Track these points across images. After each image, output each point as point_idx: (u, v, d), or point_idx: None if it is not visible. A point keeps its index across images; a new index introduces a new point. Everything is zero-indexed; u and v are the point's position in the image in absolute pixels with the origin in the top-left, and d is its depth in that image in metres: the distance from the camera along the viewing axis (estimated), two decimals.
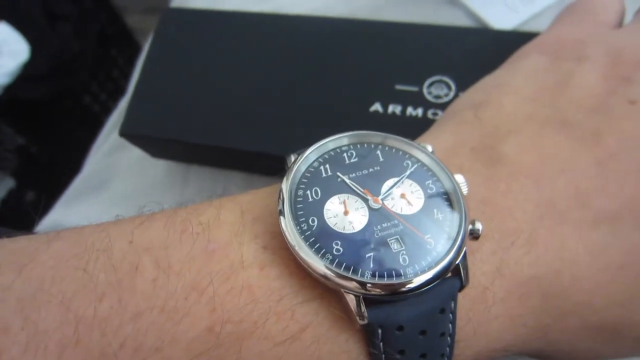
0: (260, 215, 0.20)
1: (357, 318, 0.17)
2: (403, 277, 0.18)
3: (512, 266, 0.20)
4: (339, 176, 0.20)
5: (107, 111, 0.55)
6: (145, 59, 0.39)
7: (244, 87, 0.36)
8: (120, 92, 0.57)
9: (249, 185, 0.41)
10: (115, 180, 0.46)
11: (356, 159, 0.21)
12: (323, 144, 0.21)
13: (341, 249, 0.18)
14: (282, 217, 0.18)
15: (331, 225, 0.18)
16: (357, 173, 0.20)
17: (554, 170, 0.22)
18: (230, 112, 0.35)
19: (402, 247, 0.18)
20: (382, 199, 0.19)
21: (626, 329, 0.21)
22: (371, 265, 0.18)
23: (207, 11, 0.40)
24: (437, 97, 0.33)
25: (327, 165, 0.20)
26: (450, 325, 0.18)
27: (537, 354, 0.23)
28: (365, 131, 0.21)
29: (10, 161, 0.94)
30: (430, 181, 0.20)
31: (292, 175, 0.20)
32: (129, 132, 0.37)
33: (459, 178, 0.20)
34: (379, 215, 0.19)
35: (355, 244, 0.18)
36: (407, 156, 0.21)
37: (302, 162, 0.20)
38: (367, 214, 0.19)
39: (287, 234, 0.18)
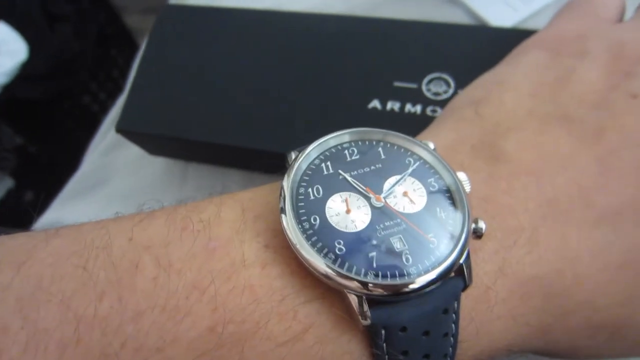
0: (262, 213, 0.20)
1: (360, 318, 0.17)
2: (406, 278, 0.17)
3: (514, 265, 0.20)
4: (340, 174, 0.20)
5: (106, 111, 0.55)
6: (143, 55, 0.39)
7: (241, 83, 0.36)
8: (119, 92, 0.57)
9: (247, 183, 0.41)
10: (112, 178, 0.46)
11: (357, 156, 0.20)
12: (324, 141, 0.21)
13: (343, 248, 0.18)
14: (283, 215, 0.18)
15: (333, 224, 0.18)
16: (359, 171, 0.20)
17: (555, 168, 0.21)
18: (228, 108, 0.35)
19: (405, 246, 0.18)
20: (385, 197, 0.19)
21: (627, 328, 0.21)
22: (374, 265, 0.17)
23: (205, 8, 0.40)
24: (436, 94, 0.33)
25: (329, 163, 0.20)
26: (453, 325, 0.18)
27: (538, 352, 0.23)
28: (367, 128, 0.21)
29: (9, 161, 0.94)
30: (432, 179, 0.20)
31: (293, 173, 0.19)
32: (125, 129, 0.36)
33: (462, 176, 0.20)
34: (381, 213, 0.19)
35: (358, 243, 0.18)
36: (408, 153, 0.21)
37: (303, 159, 0.20)
38: (370, 212, 0.19)
39: (288, 232, 0.18)
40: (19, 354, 0.15)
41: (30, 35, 0.88)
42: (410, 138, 0.21)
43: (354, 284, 0.17)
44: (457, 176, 0.20)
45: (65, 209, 0.45)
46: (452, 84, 0.33)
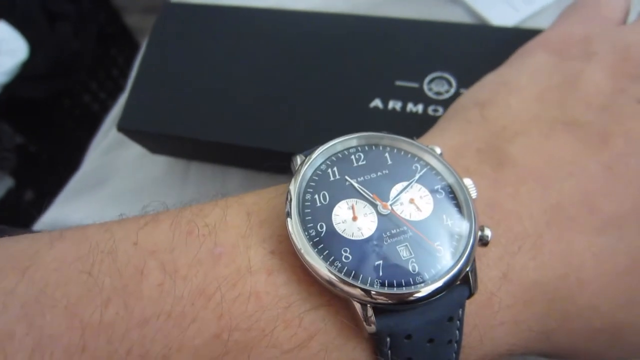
0: (267, 218, 0.20)
1: (365, 326, 0.17)
2: (412, 287, 0.17)
3: (518, 271, 0.20)
4: (347, 180, 0.20)
5: (106, 110, 0.55)
6: (144, 54, 0.39)
7: (243, 82, 0.36)
8: (119, 91, 0.56)
9: (249, 182, 0.41)
10: (114, 177, 0.46)
11: (364, 162, 0.20)
12: (331, 145, 0.20)
13: (350, 256, 0.18)
14: (289, 219, 0.18)
15: (340, 232, 0.18)
16: (366, 177, 0.20)
17: (562, 174, 0.21)
18: (229, 107, 0.35)
19: (411, 254, 0.18)
20: (391, 205, 0.19)
21: (628, 332, 0.21)
22: (380, 273, 0.17)
23: (207, 6, 0.40)
24: (438, 93, 0.32)
25: (335, 168, 0.20)
26: (457, 332, 0.18)
27: (539, 354, 0.23)
28: (374, 132, 0.21)
29: (9, 160, 0.93)
30: (439, 186, 0.20)
31: (300, 178, 0.19)
32: (127, 127, 0.36)
33: (468, 182, 0.20)
34: (388, 221, 0.19)
35: (364, 250, 0.18)
36: (415, 159, 0.21)
37: (309, 165, 0.20)
38: (376, 219, 0.19)
39: (293, 236, 0.18)
40: None
41: (30, 35, 0.88)
42: (418, 143, 0.21)
43: (358, 292, 0.17)
44: (463, 182, 0.20)
45: (67, 208, 0.45)
46: (454, 83, 0.33)
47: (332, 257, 0.18)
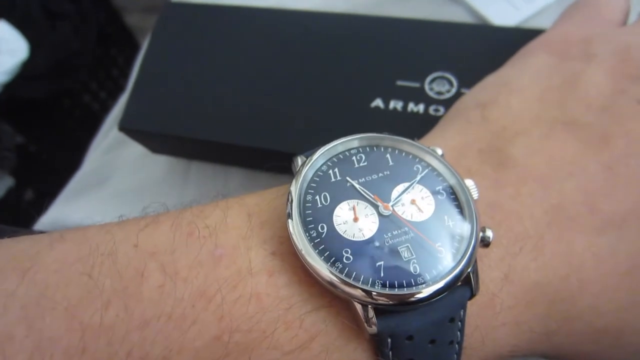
0: (268, 219, 0.20)
1: (366, 327, 0.17)
2: (414, 287, 0.17)
3: (519, 272, 0.20)
4: (348, 181, 0.20)
5: (106, 110, 0.55)
6: (146, 53, 0.39)
7: (244, 82, 0.36)
8: (120, 91, 0.56)
9: (250, 182, 0.41)
10: (114, 177, 0.46)
11: (365, 163, 0.20)
12: (332, 146, 0.20)
13: (351, 257, 0.18)
14: (290, 220, 0.18)
15: (341, 233, 0.18)
16: (367, 178, 0.20)
17: (562, 174, 0.21)
18: (230, 107, 0.35)
19: (412, 255, 0.18)
20: (393, 206, 0.19)
21: (630, 333, 0.21)
22: (381, 274, 0.17)
23: (208, 5, 0.40)
24: (439, 93, 0.32)
25: (336, 169, 0.20)
26: (458, 333, 0.18)
27: (541, 356, 0.23)
28: (375, 134, 0.21)
29: (10, 160, 0.93)
30: (440, 186, 0.20)
31: (301, 179, 0.19)
32: (128, 127, 0.36)
33: (469, 183, 0.20)
34: (389, 222, 0.19)
35: (366, 252, 0.18)
36: (417, 160, 0.21)
37: (310, 166, 0.20)
38: (377, 220, 0.19)
39: (294, 237, 0.18)
40: None
41: (30, 34, 0.88)
42: (419, 144, 0.21)
43: (359, 293, 0.17)
44: (465, 183, 0.20)
45: (67, 208, 0.45)
46: (455, 83, 0.33)
47: (333, 258, 0.17)
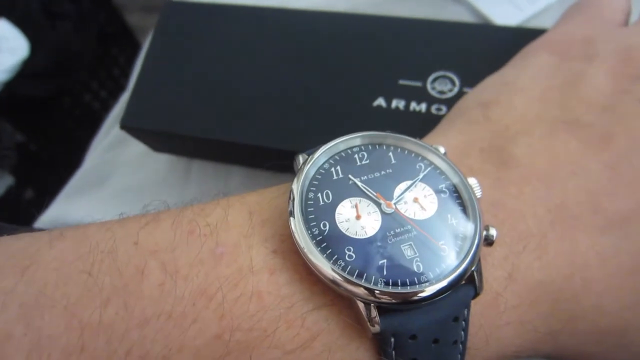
0: (270, 217, 0.19)
1: (369, 326, 0.17)
2: (417, 286, 0.17)
3: (523, 271, 0.20)
4: (350, 179, 0.20)
5: (107, 109, 0.55)
6: (147, 52, 0.39)
7: (245, 81, 0.36)
8: (120, 90, 0.56)
9: (251, 181, 0.41)
10: (115, 175, 0.46)
11: (367, 161, 0.20)
12: (334, 144, 0.20)
13: (354, 255, 0.17)
14: (292, 218, 0.18)
15: (343, 230, 0.18)
16: (369, 176, 0.20)
17: (565, 173, 0.21)
18: (231, 106, 0.35)
19: (415, 253, 0.18)
20: (395, 203, 0.19)
21: (633, 333, 0.21)
22: (384, 272, 0.17)
23: (209, 4, 0.40)
24: (441, 92, 0.32)
25: (338, 167, 0.20)
26: (462, 332, 0.18)
27: (546, 357, 0.23)
28: (377, 132, 0.21)
29: (10, 158, 0.93)
30: (443, 185, 0.20)
31: (302, 177, 0.19)
32: (129, 125, 0.36)
33: (472, 181, 0.20)
34: (391, 220, 0.19)
35: (368, 249, 0.18)
36: (419, 158, 0.21)
37: (312, 164, 0.20)
38: (380, 218, 0.19)
39: (296, 235, 0.18)
40: None
41: (31, 33, 0.88)
42: (421, 142, 0.21)
43: (361, 291, 0.17)
44: (467, 182, 0.20)
45: (67, 207, 0.45)
46: (457, 82, 0.32)
47: (336, 256, 0.17)
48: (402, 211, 0.19)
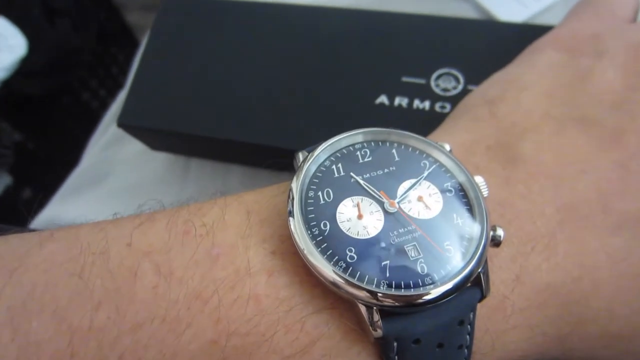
0: (268, 217, 0.19)
1: (371, 330, 0.16)
2: (421, 288, 0.17)
3: (531, 273, 0.19)
4: (352, 176, 0.19)
5: (106, 108, 0.55)
6: (145, 49, 0.38)
7: (245, 77, 0.35)
8: (119, 89, 0.56)
9: (250, 180, 0.40)
10: (113, 174, 0.45)
11: (370, 158, 0.20)
12: (336, 141, 0.20)
13: (355, 256, 0.17)
14: (291, 219, 0.17)
15: (344, 230, 0.17)
16: (372, 173, 0.19)
17: (574, 172, 0.21)
18: (231, 103, 0.34)
19: (419, 254, 0.17)
20: (399, 202, 0.18)
21: None
22: (387, 274, 0.17)
23: (208, 1, 0.40)
24: (445, 89, 0.32)
25: (340, 165, 0.19)
26: (467, 336, 0.18)
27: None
28: (380, 128, 0.20)
29: (8, 157, 0.93)
30: (448, 183, 0.19)
31: (302, 175, 0.19)
32: (127, 123, 0.36)
33: (479, 180, 0.19)
34: (395, 219, 0.18)
35: (370, 250, 0.17)
36: (424, 156, 0.20)
37: (313, 161, 0.19)
38: (383, 218, 0.18)
39: (296, 236, 0.17)
40: None
41: (29, 30, 0.87)
42: (426, 139, 0.20)
43: (364, 294, 0.16)
44: (474, 180, 0.19)
45: (65, 206, 0.45)
46: (462, 79, 0.32)
47: (336, 257, 0.17)
48: (406, 210, 0.18)
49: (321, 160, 0.19)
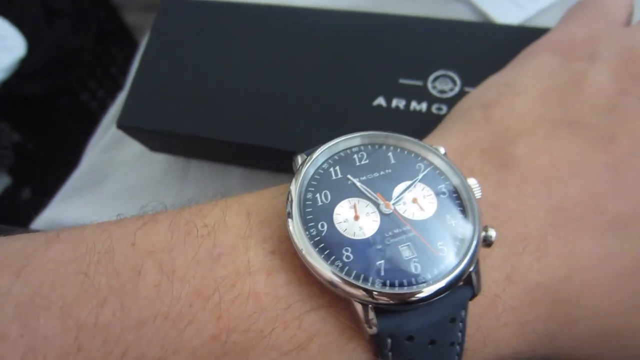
0: (268, 218, 0.19)
1: (366, 327, 0.17)
2: (415, 286, 0.17)
3: (522, 273, 0.20)
4: (349, 179, 0.19)
5: (105, 109, 0.55)
6: (144, 50, 0.38)
7: (244, 79, 0.35)
8: (118, 89, 0.56)
9: (249, 181, 0.41)
10: (113, 175, 0.45)
11: (367, 161, 0.20)
12: (333, 144, 0.20)
13: (351, 256, 0.17)
14: (290, 220, 0.18)
15: (341, 231, 0.18)
16: (368, 176, 0.20)
17: (566, 174, 0.21)
18: (230, 105, 0.35)
19: (413, 254, 0.18)
20: (394, 204, 0.19)
21: (632, 337, 0.21)
22: (382, 273, 0.17)
23: (207, 2, 0.40)
24: (442, 91, 0.32)
25: (337, 167, 0.20)
26: (459, 334, 0.18)
27: (543, 358, 0.22)
28: (377, 132, 0.21)
29: (7, 158, 0.93)
30: (442, 185, 0.20)
31: (301, 177, 0.19)
32: (126, 125, 0.36)
33: (472, 182, 0.20)
34: (390, 220, 0.18)
35: (366, 250, 0.18)
36: (419, 158, 0.20)
37: (311, 164, 0.20)
38: (379, 219, 0.18)
39: (294, 237, 0.18)
40: None
41: (28, 31, 0.87)
42: (421, 143, 0.21)
43: (360, 292, 0.17)
44: (467, 182, 0.20)
45: (65, 207, 0.45)
46: (458, 81, 0.32)
47: (334, 257, 0.17)
48: (401, 212, 0.19)
49: (319, 162, 0.20)
